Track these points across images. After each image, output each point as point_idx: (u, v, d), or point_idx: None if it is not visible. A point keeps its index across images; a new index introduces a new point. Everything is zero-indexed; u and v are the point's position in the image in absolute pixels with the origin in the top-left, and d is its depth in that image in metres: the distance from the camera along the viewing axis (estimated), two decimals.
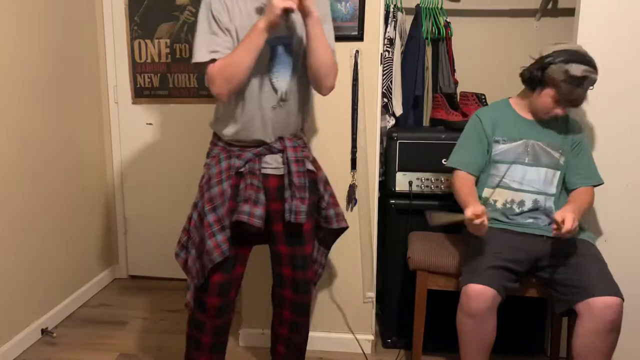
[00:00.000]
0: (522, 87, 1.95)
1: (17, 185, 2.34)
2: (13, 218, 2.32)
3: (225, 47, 1.59)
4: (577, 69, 1.76)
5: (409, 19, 2.72)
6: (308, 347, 2.06)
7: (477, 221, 1.74)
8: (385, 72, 2.42)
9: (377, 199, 2.30)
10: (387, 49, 2.47)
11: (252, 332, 2.40)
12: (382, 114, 2.41)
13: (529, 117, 1.96)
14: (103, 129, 3.07)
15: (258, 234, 1.69)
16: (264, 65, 1.62)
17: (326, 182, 1.85)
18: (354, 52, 2.16)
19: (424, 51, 2.64)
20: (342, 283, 2.34)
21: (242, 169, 1.69)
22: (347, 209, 2.29)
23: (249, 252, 1.81)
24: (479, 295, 1.74)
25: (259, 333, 2.39)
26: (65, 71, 2.67)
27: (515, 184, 1.93)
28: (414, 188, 2.31)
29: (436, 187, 2.31)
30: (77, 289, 2.84)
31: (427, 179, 2.31)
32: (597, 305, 1.66)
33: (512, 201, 1.94)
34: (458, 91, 2.72)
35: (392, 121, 2.53)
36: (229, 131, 1.69)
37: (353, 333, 2.37)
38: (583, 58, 1.78)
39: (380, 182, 2.34)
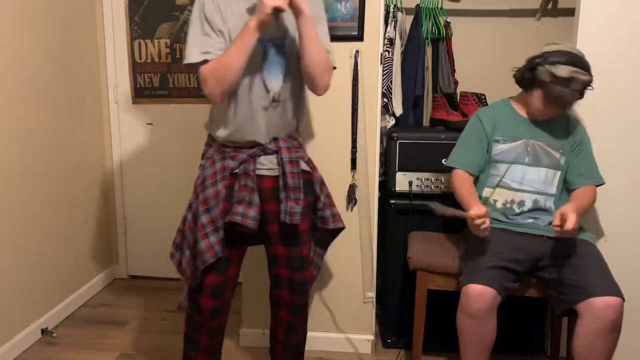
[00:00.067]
0: None
1: (17, 185, 2.34)
2: (13, 218, 2.32)
3: (218, 48, 1.59)
4: (563, 70, 1.75)
5: (409, 19, 2.72)
6: (308, 347, 2.06)
7: (479, 221, 1.74)
8: (385, 72, 2.43)
9: (377, 199, 2.30)
10: (387, 49, 2.47)
11: (252, 332, 2.40)
12: (382, 114, 2.41)
13: (529, 117, 1.96)
14: (103, 128, 3.07)
15: (252, 235, 1.69)
16: (256, 66, 1.61)
17: (322, 183, 1.85)
18: (354, 52, 2.16)
19: (424, 51, 2.64)
20: (342, 283, 2.34)
21: (236, 170, 1.68)
22: (347, 209, 2.29)
23: (244, 253, 1.80)
24: (479, 295, 1.74)
25: (259, 333, 2.39)
26: (65, 71, 2.67)
27: (515, 184, 1.93)
28: (414, 188, 2.31)
29: (436, 187, 2.31)
30: (77, 289, 2.84)
31: (427, 179, 2.31)
32: (598, 305, 1.66)
33: (512, 201, 1.94)
34: (458, 91, 2.72)
35: (392, 121, 2.53)
36: (222, 132, 1.69)
37: (353, 333, 2.37)
38: (571, 59, 1.76)
39: (380, 182, 2.34)
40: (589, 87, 1.82)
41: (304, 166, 1.74)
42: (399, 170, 2.32)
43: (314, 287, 2.35)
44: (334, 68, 1.75)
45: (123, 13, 2.97)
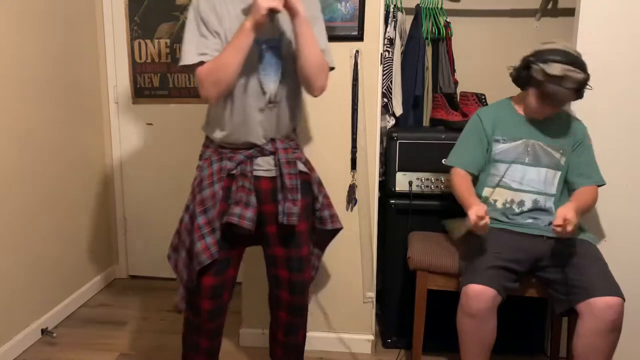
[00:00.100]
0: None
1: (17, 185, 2.34)
2: (13, 218, 2.32)
3: (214, 49, 1.58)
4: (555, 68, 1.75)
5: (409, 19, 2.72)
6: (308, 347, 2.06)
7: (482, 223, 1.74)
8: (385, 72, 2.43)
9: (377, 199, 2.30)
10: (387, 49, 2.47)
11: (252, 332, 2.40)
12: (382, 114, 2.41)
13: (528, 116, 1.96)
14: (103, 128, 3.07)
15: (249, 236, 1.69)
16: (252, 67, 1.61)
17: (320, 184, 1.84)
18: (354, 52, 2.16)
19: (424, 51, 2.64)
20: (342, 283, 2.34)
21: (233, 171, 1.68)
22: (347, 209, 2.29)
23: (242, 254, 1.80)
24: (479, 295, 1.74)
25: (259, 333, 2.39)
26: (65, 71, 2.67)
27: (515, 183, 1.93)
28: (414, 188, 2.31)
29: (436, 187, 2.31)
30: (77, 289, 2.84)
31: (427, 179, 2.31)
32: (598, 305, 1.66)
33: (512, 201, 1.94)
34: (458, 91, 2.72)
35: (392, 121, 2.53)
36: (219, 134, 1.69)
37: (353, 333, 2.37)
38: (564, 57, 1.76)
39: (380, 182, 2.34)
40: (588, 87, 1.82)
41: (301, 167, 1.74)
42: (399, 170, 2.32)
43: (313, 287, 2.35)
44: (332, 69, 1.74)
45: (123, 13, 2.97)
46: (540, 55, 1.79)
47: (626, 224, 2.15)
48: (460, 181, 1.96)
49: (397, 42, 2.54)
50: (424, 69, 2.67)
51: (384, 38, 2.41)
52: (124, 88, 3.05)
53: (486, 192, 1.99)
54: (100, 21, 2.97)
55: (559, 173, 1.92)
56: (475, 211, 1.75)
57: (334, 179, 2.26)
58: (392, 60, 2.49)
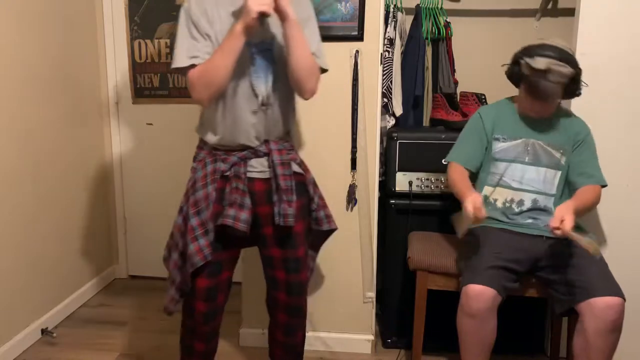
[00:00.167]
0: None
1: (17, 185, 2.34)
2: (13, 218, 2.32)
3: (205, 52, 1.58)
4: (540, 62, 1.75)
5: (409, 19, 2.72)
6: (308, 347, 2.06)
7: (480, 216, 1.73)
8: (385, 72, 2.43)
9: (377, 199, 2.30)
10: (387, 49, 2.47)
11: (252, 332, 2.40)
12: (382, 114, 2.41)
13: (522, 114, 1.97)
14: (103, 128, 3.07)
15: (244, 237, 1.68)
16: (244, 70, 1.61)
17: (315, 184, 1.84)
18: (354, 52, 2.16)
19: (424, 51, 2.64)
20: (342, 283, 2.34)
21: (227, 173, 1.67)
22: (347, 209, 2.29)
23: (237, 256, 1.79)
24: (479, 295, 1.74)
25: (259, 333, 2.39)
26: (65, 71, 2.67)
27: (515, 183, 1.93)
28: (414, 188, 2.31)
29: (436, 187, 2.31)
30: (77, 289, 2.84)
31: (427, 179, 2.31)
32: (599, 305, 1.66)
33: (512, 200, 1.94)
34: (458, 91, 2.72)
35: (392, 121, 2.53)
36: (213, 136, 1.68)
37: (353, 333, 2.37)
38: (550, 51, 1.76)
39: (380, 182, 2.34)
40: (583, 84, 1.82)
41: (295, 168, 1.73)
42: (399, 170, 2.32)
43: (314, 287, 2.35)
44: (325, 70, 1.73)
45: (123, 13, 2.97)
46: (528, 51, 1.81)
47: (626, 224, 2.15)
48: (458, 175, 1.96)
49: (397, 42, 2.54)
50: (424, 69, 2.67)
51: (384, 38, 2.41)
52: (124, 88, 3.05)
53: (486, 190, 1.99)
54: (100, 21, 2.97)
55: (559, 173, 1.92)
56: (472, 200, 1.74)
57: (334, 179, 2.26)
58: (392, 60, 2.49)
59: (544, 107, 1.88)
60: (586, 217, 2.06)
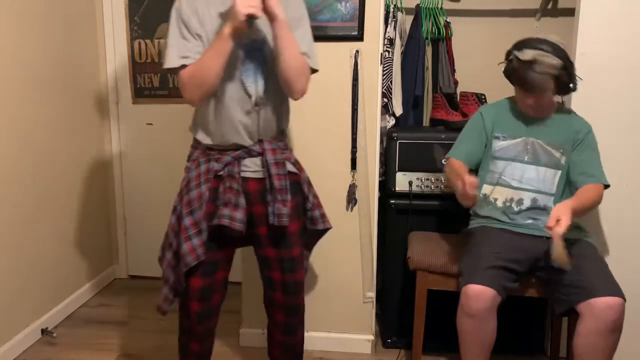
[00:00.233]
0: None
1: (17, 185, 2.34)
2: (13, 218, 2.32)
3: (196, 52, 1.58)
4: (527, 54, 1.77)
5: (409, 19, 2.72)
6: (308, 347, 2.06)
7: (471, 192, 1.73)
8: (385, 72, 2.42)
9: (377, 199, 2.30)
10: (387, 49, 2.47)
11: (252, 332, 2.40)
12: (382, 114, 2.41)
13: (528, 113, 1.97)
14: (103, 128, 3.07)
15: (240, 237, 1.68)
16: (236, 70, 1.61)
17: (309, 183, 1.83)
18: (354, 52, 2.16)
19: (424, 51, 2.64)
20: (342, 283, 2.34)
21: (221, 172, 1.67)
22: (347, 209, 2.29)
23: (232, 255, 1.79)
24: (479, 295, 1.74)
25: (259, 333, 2.39)
26: (65, 71, 2.67)
27: (515, 182, 1.93)
28: (414, 188, 2.31)
29: (436, 187, 2.31)
30: (77, 289, 2.84)
31: (427, 179, 2.31)
32: (599, 305, 1.65)
33: (512, 199, 1.94)
34: (458, 91, 2.72)
35: (392, 121, 2.53)
36: (206, 136, 1.68)
37: (353, 333, 2.37)
38: (538, 44, 1.78)
39: (380, 182, 2.34)
40: (578, 78, 1.83)
41: (290, 167, 1.73)
42: (399, 170, 2.32)
43: (314, 287, 2.36)
44: (316, 71, 1.72)
45: (123, 13, 2.97)
46: (518, 45, 1.84)
47: (626, 224, 2.15)
48: (456, 164, 1.95)
49: (397, 42, 2.54)
50: (424, 69, 2.67)
51: (384, 38, 2.41)
52: (124, 88, 3.05)
53: (485, 189, 2.00)
54: (100, 21, 2.97)
55: (559, 172, 1.92)
56: (469, 178, 1.74)
57: (334, 179, 2.26)
58: (392, 60, 2.49)
59: (537, 101, 1.87)
60: (586, 217, 2.06)
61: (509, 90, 2.05)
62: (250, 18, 1.48)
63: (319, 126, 2.24)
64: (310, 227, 1.83)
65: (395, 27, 2.52)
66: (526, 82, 1.81)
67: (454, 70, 2.74)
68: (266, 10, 1.50)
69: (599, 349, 1.68)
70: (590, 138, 1.92)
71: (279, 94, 1.68)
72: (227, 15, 1.55)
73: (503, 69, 1.93)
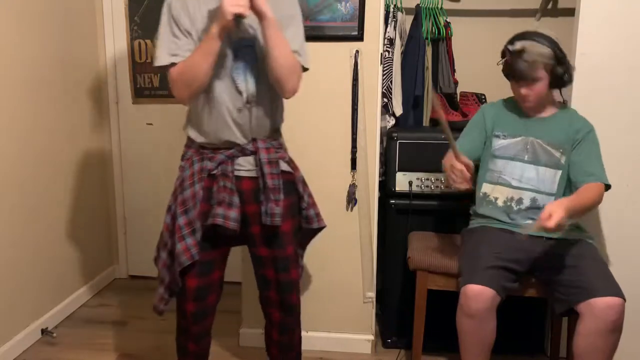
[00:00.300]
0: None
1: (17, 185, 2.34)
2: (13, 218, 2.32)
3: (186, 49, 1.58)
4: (516, 45, 1.83)
5: (409, 19, 2.72)
6: (308, 347, 2.06)
7: (458, 168, 1.75)
8: (385, 72, 2.42)
9: (377, 199, 2.30)
10: (387, 49, 2.47)
11: (252, 332, 2.40)
12: (382, 114, 2.41)
13: (532, 114, 1.96)
14: (103, 129, 3.07)
15: (234, 236, 1.68)
16: (227, 68, 1.60)
17: (304, 183, 1.83)
18: (354, 52, 2.16)
19: (424, 51, 2.64)
20: (342, 283, 2.34)
21: (214, 171, 1.67)
22: (347, 209, 2.29)
23: (227, 254, 1.79)
24: (478, 295, 1.74)
25: (259, 333, 2.38)
26: (65, 71, 2.67)
27: (515, 181, 1.93)
28: (414, 188, 2.31)
29: (436, 187, 2.31)
30: (77, 289, 2.84)
31: (427, 179, 2.31)
32: (599, 305, 1.65)
33: (512, 199, 1.94)
34: (458, 91, 2.72)
35: (392, 121, 2.53)
36: (198, 134, 1.68)
37: (353, 333, 2.37)
38: (530, 35, 1.83)
39: (380, 182, 2.34)
40: (572, 68, 1.85)
41: (284, 167, 1.72)
42: (399, 170, 2.32)
43: (314, 287, 2.36)
44: (306, 69, 1.71)
45: (123, 13, 2.97)
46: (510, 39, 1.89)
47: (626, 224, 2.14)
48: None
49: (397, 42, 2.54)
50: (424, 69, 2.67)
51: (384, 38, 2.41)
52: (124, 88, 3.05)
53: (485, 188, 2.00)
54: (100, 21, 2.97)
55: (560, 172, 1.91)
56: (464, 157, 1.76)
57: (334, 179, 2.26)
58: (392, 60, 2.49)
59: (529, 91, 1.86)
60: (586, 217, 2.06)
61: (509, 90, 2.05)
62: (238, 17, 1.48)
63: (319, 126, 2.24)
64: (305, 226, 1.83)
65: (395, 27, 2.52)
66: (515, 70, 1.84)
67: (454, 70, 2.74)
68: (254, 9, 1.50)
69: (599, 349, 1.68)
70: (591, 137, 1.90)
71: (271, 92, 1.67)
72: (214, 14, 1.54)
73: (502, 68, 1.94)
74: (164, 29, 1.60)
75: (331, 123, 2.23)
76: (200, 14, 1.59)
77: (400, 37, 2.62)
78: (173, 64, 1.58)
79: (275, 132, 1.75)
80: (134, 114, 3.07)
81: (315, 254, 2.28)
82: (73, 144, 2.76)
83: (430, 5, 2.67)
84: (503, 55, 1.93)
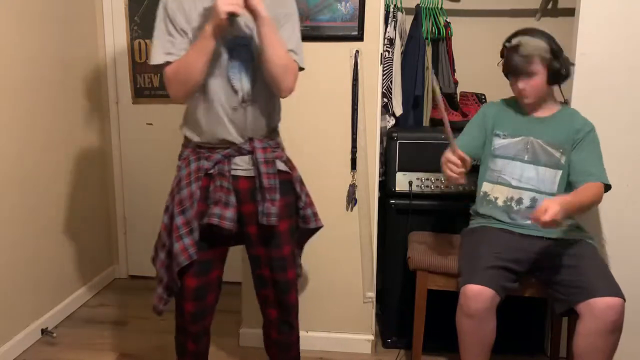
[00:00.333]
0: None
1: (17, 185, 2.34)
2: (13, 218, 2.32)
3: (181, 48, 1.58)
4: (513, 41, 1.87)
5: (409, 19, 2.72)
6: (308, 347, 2.06)
7: (453, 159, 1.77)
8: (385, 72, 2.42)
9: (377, 199, 2.30)
10: (387, 49, 2.47)
11: (252, 332, 2.40)
12: (382, 114, 2.41)
13: (532, 112, 1.96)
14: (103, 129, 3.07)
15: (231, 235, 1.67)
16: (222, 67, 1.60)
17: (301, 182, 1.83)
18: (354, 52, 2.16)
19: (424, 51, 2.64)
20: (342, 283, 2.34)
21: (211, 171, 1.66)
22: (347, 209, 2.29)
23: (225, 254, 1.79)
24: (478, 295, 1.73)
25: (259, 333, 2.37)
26: (65, 71, 2.67)
27: (515, 181, 1.94)
28: (414, 188, 2.31)
29: (436, 187, 2.31)
30: (77, 289, 2.84)
31: (427, 179, 2.31)
32: (599, 305, 1.65)
33: (512, 198, 1.94)
34: (458, 91, 2.72)
35: (392, 121, 2.53)
36: (194, 133, 1.68)
37: (353, 333, 2.37)
38: (527, 31, 1.87)
39: (380, 182, 2.34)
40: (571, 63, 1.87)
41: (281, 166, 1.71)
42: (399, 170, 2.32)
43: (314, 287, 2.36)
44: (302, 69, 1.71)
45: (123, 13, 2.97)
46: (508, 37, 1.92)
47: (626, 224, 2.14)
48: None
49: (397, 42, 2.54)
50: (424, 69, 2.67)
51: (384, 38, 2.41)
52: (124, 88, 3.05)
53: (485, 187, 2.00)
54: (100, 21, 2.97)
55: (560, 172, 1.91)
56: (461, 152, 1.78)
57: (334, 179, 2.26)
58: (392, 60, 2.49)
59: (525, 85, 1.86)
60: (586, 217, 2.06)
61: (509, 90, 2.05)
62: (232, 16, 1.47)
63: (319, 126, 2.24)
64: (303, 225, 1.82)
65: (395, 27, 2.52)
66: (512, 65, 1.86)
67: (454, 70, 2.74)
68: (248, 7, 1.49)
69: (599, 349, 1.68)
70: (591, 137, 1.90)
71: (267, 91, 1.66)
72: (208, 11, 1.54)
73: (501, 68, 1.94)
74: (159, 27, 1.60)
75: (331, 123, 2.23)
76: (196, 12, 1.59)
77: (400, 37, 2.62)
78: (168, 63, 1.58)
79: (272, 132, 1.75)
80: (133, 114, 3.07)
81: (315, 254, 2.28)
82: (73, 143, 2.76)
83: (430, 5, 2.67)
84: (502, 55, 1.94)
